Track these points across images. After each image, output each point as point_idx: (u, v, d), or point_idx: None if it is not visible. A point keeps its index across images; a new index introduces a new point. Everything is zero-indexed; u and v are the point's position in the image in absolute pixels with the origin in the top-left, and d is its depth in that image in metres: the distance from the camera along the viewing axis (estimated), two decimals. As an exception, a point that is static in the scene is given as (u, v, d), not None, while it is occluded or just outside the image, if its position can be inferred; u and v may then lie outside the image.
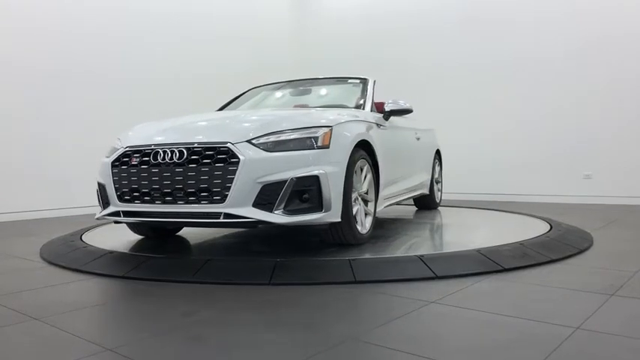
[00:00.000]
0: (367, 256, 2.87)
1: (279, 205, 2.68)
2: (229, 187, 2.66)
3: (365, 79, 4.22)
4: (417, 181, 4.70)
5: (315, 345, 1.67)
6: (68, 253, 3.26)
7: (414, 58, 7.79)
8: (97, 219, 3.20)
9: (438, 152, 5.51)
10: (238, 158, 2.68)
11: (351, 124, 3.14)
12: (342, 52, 8.41)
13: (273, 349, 1.67)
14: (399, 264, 2.70)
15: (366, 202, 3.30)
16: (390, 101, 3.86)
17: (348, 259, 2.69)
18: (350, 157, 2.95)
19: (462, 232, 3.91)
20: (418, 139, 4.68)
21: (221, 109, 4.59)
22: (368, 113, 3.69)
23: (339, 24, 8.69)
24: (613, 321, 1.86)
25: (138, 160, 2.91)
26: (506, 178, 6.96)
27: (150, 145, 2.91)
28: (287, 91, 4.65)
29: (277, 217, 2.67)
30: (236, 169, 2.66)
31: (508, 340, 1.69)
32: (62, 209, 5.88)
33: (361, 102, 3.86)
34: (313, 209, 2.73)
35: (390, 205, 4.02)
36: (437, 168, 5.50)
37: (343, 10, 8.69)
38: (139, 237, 3.79)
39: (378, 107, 4.03)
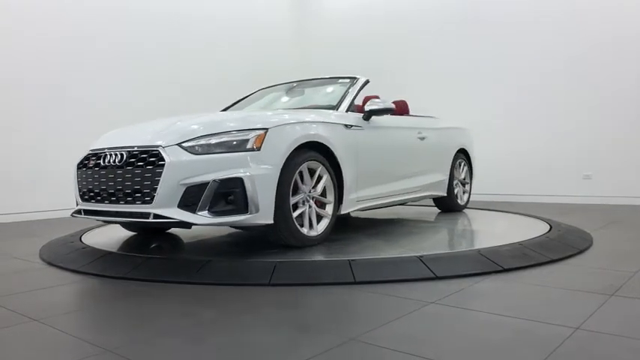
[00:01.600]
0: (367, 256, 2.87)
1: (203, 206, 2.74)
2: (156, 188, 2.77)
3: (354, 78, 4.16)
4: (424, 182, 4.54)
5: (315, 346, 1.67)
6: (67, 254, 3.25)
7: (414, 58, 7.79)
8: (71, 215, 3.37)
9: (464, 152, 5.28)
10: (165, 161, 2.77)
11: (295, 126, 3.09)
12: (342, 53, 8.42)
13: (273, 350, 1.66)
14: (399, 264, 2.69)
15: (323, 204, 3.30)
16: (376, 100, 3.79)
17: (348, 260, 2.69)
18: (288, 158, 2.95)
19: (462, 232, 3.91)
20: (423, 138, 4.50)
21: (226, 109, 4.63)
22: (340, 114, 3.63)
23: (339, 24, 8.70)
24: (613, 321, 1.86)
25: (93, 162, 3.14)
26: (506, 178, 6.96)
27: (103, 149, 3.11)
28: (285, 92, 4.66)
29: (200, 218, 2.74)
30: (162, 172, 2.76)
31: (508, 341, 1.69)
32: (64, 210, 5.88)
33: (336, 103, 3.81)
34: (238, 211, 2.77)
35: (376, 207, 3.96)
36: (464, 168, 5.30)
37: (343, 10, 8.69)
38: (139, 238, 3.79)
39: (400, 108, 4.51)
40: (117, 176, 2.94)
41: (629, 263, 2.83)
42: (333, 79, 4.41)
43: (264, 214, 2.83)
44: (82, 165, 3.24)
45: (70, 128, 6.05)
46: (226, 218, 2.78)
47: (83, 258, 3.11)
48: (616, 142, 6.24)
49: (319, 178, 3.24)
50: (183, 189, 2.74)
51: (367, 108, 3.76)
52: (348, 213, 3.42)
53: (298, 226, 3.06)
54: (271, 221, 2.88)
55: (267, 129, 2.93)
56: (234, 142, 2.84)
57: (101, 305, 2.30)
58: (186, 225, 2.84)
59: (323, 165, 3.23)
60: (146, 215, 2.80)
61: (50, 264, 3.16)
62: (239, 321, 1.98)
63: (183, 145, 2.83)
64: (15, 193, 5.68)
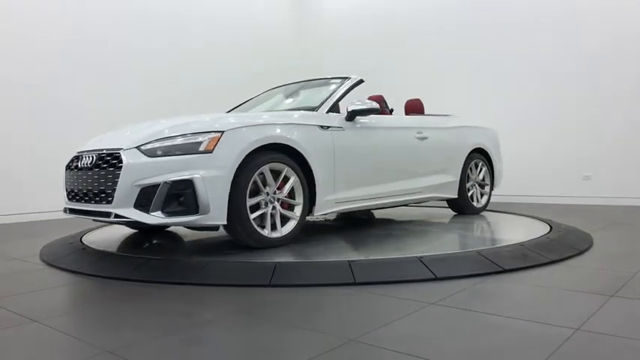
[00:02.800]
0: (367, 257, 2.87)
1: (156, 206, 2.86)
2: (115, 189, 2.91)
3: (346, 78, 4.10)
4: (426, 183, 4.38)
5: (315, 347, 1.67)
6: (68, 255, 3.26)
7: (414, 59, 7.79)
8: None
9: (483, 152, 5.05)
10: (123, 163, 2.93)
11: (254, 129, 3.11)
12: (343, 53, 8.43)
13: (272, 351, 1.66)
14: (399, 265, 2.69)
15: (292, 206, 3.30)
16: (355, 102, 3.73)
17: (348, 261, 2.69)
18: (244, 160, 2.99)
19: (462, 233, 3.91)
20: (424, 138, 4.34)
21: (232, 110, 4.64)
22: (319, 115, 3.60)
23: (339, 24, 8.71)
24: (613, 322, 1.85)
25: (74, 164, 3.33)
26: (506, 179, 6.94)
27: (83, 152, 3.29)
28: (285, 93, 4.65)
29: (153, 218, 2.86)
30: (120, 173, 2.91)
31: (508, 342, 1.69)
32: (60, 212, 5.89)
33: (319, 104, 3.77)
34: (189, 211, 2.86)
35: (363, 208, 3.88)
36: (482, 169, 5.06)
37: (343, 10, 8.70)
38: (139, 239, 3.80)
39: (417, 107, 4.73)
40: (88, 177, 3.12)
41: (629, 264, 2.83)
42: (327, 80, 4.34)
43: (215, 215, 2.89)
44: (68, 166, 3.43)
45: (70, 129, 6.04)
46: (178, 218, 2.88)
47: (83, 259, 3.12)
48: (616, 143, 6.24)
49: (287, 179, 3.25)
50: (139, 190, 2.87)
51: (349, 108, 3.71)
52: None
53: (257, 227, 3.07)
54: (224, 222, 2.93)
55: (222, 132, 2.98)
56: (189, 145, 2.93)
57: (101, 306, 2.30)
58: (144, 224, 2.93)
59: (290, 167, 3.24)
60: (108, 214, 2.95)
61: (50, 265, 3.16)
62: (239, 322, 1.98)
63: (142, 147, 2.95)
64: (15, 193, 5.68)
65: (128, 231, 4.13)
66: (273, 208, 3.20)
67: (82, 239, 3.75)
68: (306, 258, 2.89)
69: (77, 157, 3.33)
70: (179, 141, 2.94)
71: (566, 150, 6.58)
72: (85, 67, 6.30)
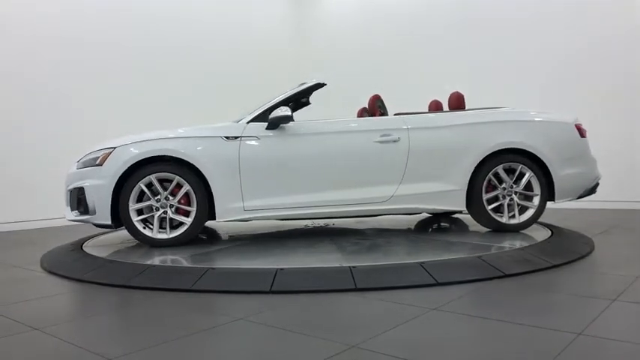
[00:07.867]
0: (368, 263, 2.87)
1: (72, 207, 3.66)
2: None
3: (303, 84, 4.03)
4: (393, 192, 3.74)
5: (317, 353, 1.67)
6: (68, 263, 3.26)
7: (414, 60, 7.82)
8: None
9: (526, 154, 3.87)
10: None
11: (140, 144, 3.57)
12: (342, 55, 8.47)
13: (273, 358, 1.66)
14: (400, 271, 2.69)
15: (187, 212, 3.60)
16: (275, 110, 3.70)
17: (349, 267, 2.69)
18: (127, 171, 3.48)
19: (463, 238, 3.90)
20: (390, 141, 3.75)
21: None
22: (230, 126, 3.68)
23: (339, 27, 8.75)
24: (615, 326, 1.85)
25: None
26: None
27: None
28: None
29: (72, 216, 3.65)
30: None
31: (510, 347, 1.68)
32: (64, 218, 5.88)
33: (248, 114, 3.77)
34: (86, 212, 3.56)
35: (287, 217, 3.78)
36: (524, 175, 3.84)
37: (343, 14, 8.75)
38: (139, 246, 3.79)
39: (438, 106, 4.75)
40: None
41: (630, 268, 2.83)
42: (293, 87, 4.17)
43: (101, 216, 3.51)
44: None
45: (70, 136, 6.03)
46: (83, 217, 3.57)
47: (84, 266, 3.11)
48: (616, 147, 6.23)
49: (181, 187, 3.57)
50: (69, 194, 3.67)
51: (270, 117, 3.70)
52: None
53: (141, 229, 3.55)
54: (109, 222, 3.51)
55: (114, 148, 3.58)
56: (92, 160, 3.61)
57: (102, 314, 2.30)
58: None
59: (182, 176, 3.54)
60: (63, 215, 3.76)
61: (51, 272, 3.16)
62: (240, 329, 1.97)
63: (79, 161, 3.71)
64: (15, 201, 5.67)
65: (127, 237, 4.12)
66: (165, 212, 3.57)
67: (83, 247, 3.75)
68: (307, 264, 2.88)
69: None
70: (90, 156, 3.64)
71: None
72: (84, 78, 6.30)
